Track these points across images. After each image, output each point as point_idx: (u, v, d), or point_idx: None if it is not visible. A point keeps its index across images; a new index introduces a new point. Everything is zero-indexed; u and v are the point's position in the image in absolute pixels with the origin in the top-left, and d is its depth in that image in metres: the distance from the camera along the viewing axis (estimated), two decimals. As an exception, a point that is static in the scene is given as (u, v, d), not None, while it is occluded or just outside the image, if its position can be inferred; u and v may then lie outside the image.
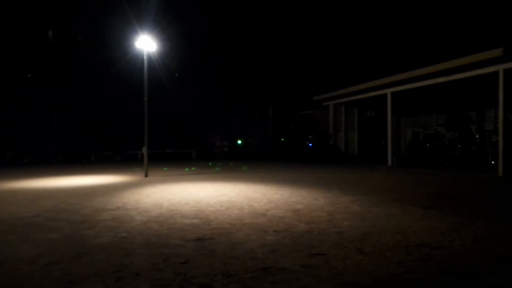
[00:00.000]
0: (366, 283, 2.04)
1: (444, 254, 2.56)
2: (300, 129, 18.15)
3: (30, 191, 6.46)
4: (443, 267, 2.29)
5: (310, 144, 16.33)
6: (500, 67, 9.26)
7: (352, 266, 2.32)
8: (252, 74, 26.21)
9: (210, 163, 15.73)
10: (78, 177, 9.61)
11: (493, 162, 10.08)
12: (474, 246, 2.76)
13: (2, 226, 3.59)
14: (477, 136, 11.42)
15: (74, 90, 22.09)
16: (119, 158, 21.29)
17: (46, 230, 3.41)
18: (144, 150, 9.72)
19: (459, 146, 10.97)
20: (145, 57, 9.68)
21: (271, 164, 15.00)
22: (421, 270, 2.23)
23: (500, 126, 9.46)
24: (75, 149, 21.19)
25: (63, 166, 15.27)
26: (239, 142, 22.52)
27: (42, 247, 2.81)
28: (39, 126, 21.09)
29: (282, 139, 19.07)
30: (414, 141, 13.56)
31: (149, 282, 2.09)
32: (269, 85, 25.45)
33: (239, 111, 24.31)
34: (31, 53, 21.04)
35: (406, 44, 21.88)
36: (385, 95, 13.14)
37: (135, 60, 12.09)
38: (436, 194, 5.60)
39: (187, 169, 12.43)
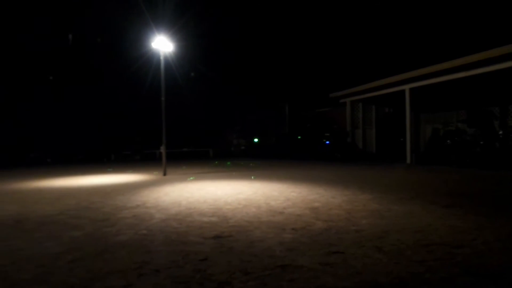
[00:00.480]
0: (386, 282, 2.02)
1: (466, 253, 2.51)
2: (317, 127, 18.04)
3: (53, 190, 6.66)
4: (465, 266, 2.25)
5: (327, 142, 16.22)
6: (525, 61, 8.98)
7: (371, 264, 2.31)
8: (268, 72, 26.20)
9: (228, 163, 15.81)
10: (99, 176, 9.83)
11: (517, 159, 9.78)
12: (497, 245, 2.69)
13: (29, 224, 3.72)
14: (500, 132, 11.09)
15: (93, 91, 22.57)
16: (138, 157, 21.67)
17: (69, 227, 3.51)
18: (162, 149, 9.86)
19: (481, 142, 10.68)
20: (161, 58, 9.81)
21: (287, 162, 14.98)
22: (442, 270, 2.19)
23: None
24: (95, 149, 21.67)
25: (84, 165, 15.64)
26: (256, 140, 22.56)
27: (66, 244, 2.90)
28: (61, 127, 21.65)
29: (299, 137, 18.99)
30: (433, 138, 13.27)
31: (170, 278, 2.13)
32: (285, 83, 25.40)
33: (255, 109, 24.36)
34: (52, 56, 21.62)
35: (424, 39, 21.43)
36: (403, 91, 12.93)
37: (151, 60, 12.27)
38: (457, 192, 5.49)
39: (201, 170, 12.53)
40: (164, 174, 9.46)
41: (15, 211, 4.48)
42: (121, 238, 3.06)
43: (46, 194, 6.06)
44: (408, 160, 12.72)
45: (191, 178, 11.20)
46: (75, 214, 4.21)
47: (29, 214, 4.26)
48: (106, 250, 2.72)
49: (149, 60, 12.96)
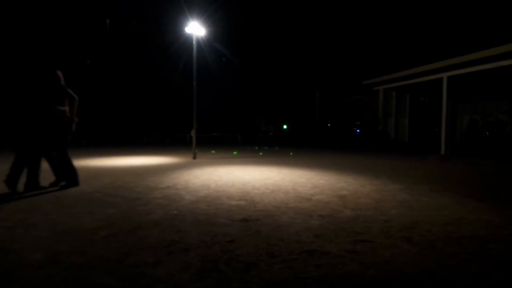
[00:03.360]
0: (414, 272, 1.99)
1: (501, 248, 2.42)
2: (348, 115, 17.73)
3: (90, 170, 6.97)
4: (499, 262, 2.17)
5: (358, 130, 15.92)
6: None
7: (399, 254, 2.28)
8: (299, 58, 25.82)
9: (256, 147, 15.87)
10: (132, 157, 10.16)
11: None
12: (535, 242, 2.57)
13: (68, 200, 3.93)
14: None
15: (128, 75, 23.18)
16: (169, 141, 22.20)
17: (105, 205, 3.68)
18: (193, 133, 10.04)
19: (524, 135, 10.13)
20: (194, 42, 9.88)
21: (316, 149, 14.84)
22: (474, 264, 2.13)
23: None
24: (129, 131, 22.38)
25: (118, 147, 16.19)
26: (285, 127, 22.50)
27: (102, 220, 3.05)
28: (96, 110, 22.47)
29: (329, 125, 18.75)
30: (471, 129, 12.70)
31: (198, 257, 2.20)
32: (316, 69, 24.96)
33: (285, 96, 24.20)
34: (90, 41, 22.32)
35: (465, 24, 20.30)
36: (440, 79, 12.39)
37: (184, 46, 12.42)
38: (494, 186, 5.25)
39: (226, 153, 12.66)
40: (194, 158, 9.64)
41: (55, 188, 4.74)
42: (152, 217, 3.18)
43: (83, 173, 6.32)
44: (443, 151, 12.27)
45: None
46: (110, 192, 4.40)
47: (68, 191, 4.50)
48: (138, 228, 2.84)
49: (182, 45, 13.13)
